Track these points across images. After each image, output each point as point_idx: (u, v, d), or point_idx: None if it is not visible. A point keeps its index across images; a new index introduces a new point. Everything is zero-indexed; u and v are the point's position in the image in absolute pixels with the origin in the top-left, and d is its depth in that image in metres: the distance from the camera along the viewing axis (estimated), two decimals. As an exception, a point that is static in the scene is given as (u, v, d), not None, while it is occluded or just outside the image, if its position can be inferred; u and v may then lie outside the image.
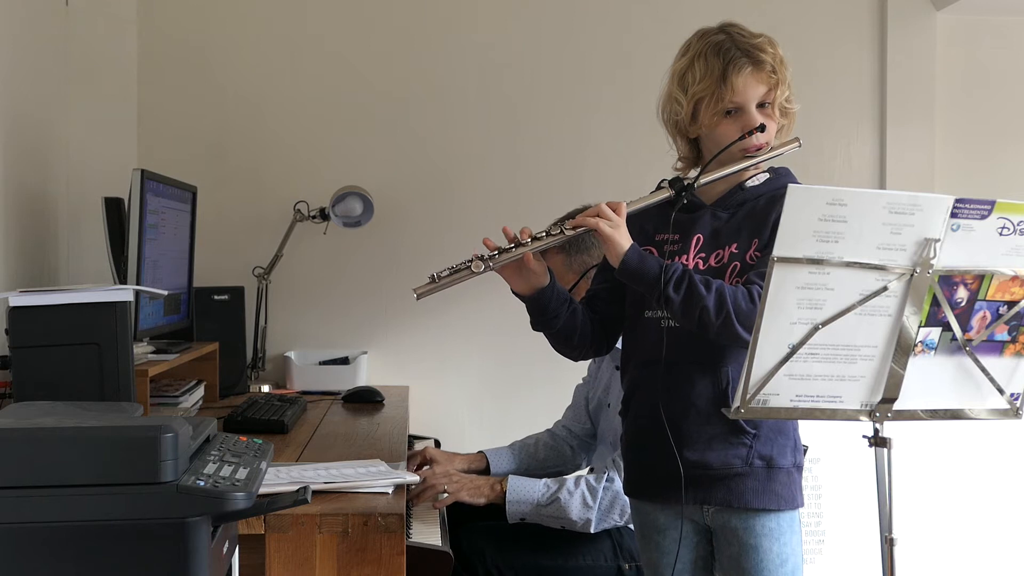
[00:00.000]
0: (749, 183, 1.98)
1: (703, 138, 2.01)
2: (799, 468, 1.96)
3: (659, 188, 2.03)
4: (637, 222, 1.97)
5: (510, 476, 2.62)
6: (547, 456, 2.89)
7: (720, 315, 1.80)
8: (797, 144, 2.00)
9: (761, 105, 1.95)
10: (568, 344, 2.08)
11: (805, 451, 1.99)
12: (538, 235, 1.96)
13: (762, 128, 1.93)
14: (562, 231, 1.96)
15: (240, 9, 3.80)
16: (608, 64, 3.87)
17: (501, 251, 1.96)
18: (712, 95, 1.93)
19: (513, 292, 2.04)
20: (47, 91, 3.33)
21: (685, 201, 1.95)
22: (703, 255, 1.94)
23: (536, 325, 2.05)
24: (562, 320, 2.02)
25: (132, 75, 3.70)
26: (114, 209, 2.97)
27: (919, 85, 3.94)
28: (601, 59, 3.88)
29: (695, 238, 1.95)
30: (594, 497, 2.53)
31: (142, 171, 2.70)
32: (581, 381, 2.96)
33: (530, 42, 3.87)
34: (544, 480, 2.59)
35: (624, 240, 1.88)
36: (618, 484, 2.52)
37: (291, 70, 3.80)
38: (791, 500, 1.93)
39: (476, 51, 3.85)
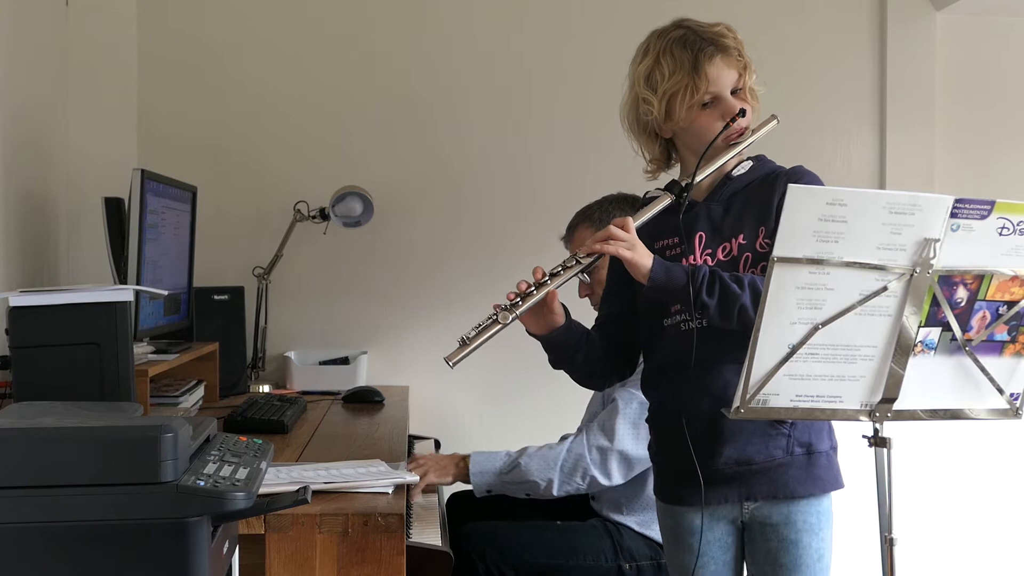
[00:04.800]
0: (735, 172, 1.97)
1: (680, 134, 1.98)
2: (835, 449, 1.97)
3: (646, 196, 2.02)
4: (638, 231, 1.93)
5: (473, 452, 2.65)
6: None
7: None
8: (775, 121, 1.99)
9: (734, 91, 1.94)
10: (592, 377, 2.07)
11: None
12: (554, 271, 1.91)
13: (743, 113, 1.92)
14: (577, 261, 1.91)
15: (240, 9, 3.80)
16: (609, 59, 3.86)
17: (523, 296, 1.90)
18: (686, 88, 1.91)
19: (529, 333, 1.99)
20: (47, 91, 3.33)
21: (686, 203, 1.94)
22: (710, 251, 1.93)
23: (556, 363, 2.03)
24: (582, 355, 2.00)
25: (132, 75, 3.70)
26: (114, 209, 2.97)
27: (919, 85, 3.94)
28: (602, 54, 3.87)
29: (697, 236, 1.94)
30: (554, 454, 2.56)
31: (142, 171, 2.70)
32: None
33: (530, 40, 3.87)
34: (505, 451, 2.63)
35: (645, 258, 1.84)
36: (580, 446, 2.56)
37: (291, 70, 3.80)
38: (833, 482, 1.95)
39: (476, 50, 3.85)
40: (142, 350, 2.78)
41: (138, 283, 2.62)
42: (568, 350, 1.99)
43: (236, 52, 3.79)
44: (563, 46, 3.87)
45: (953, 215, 1.61)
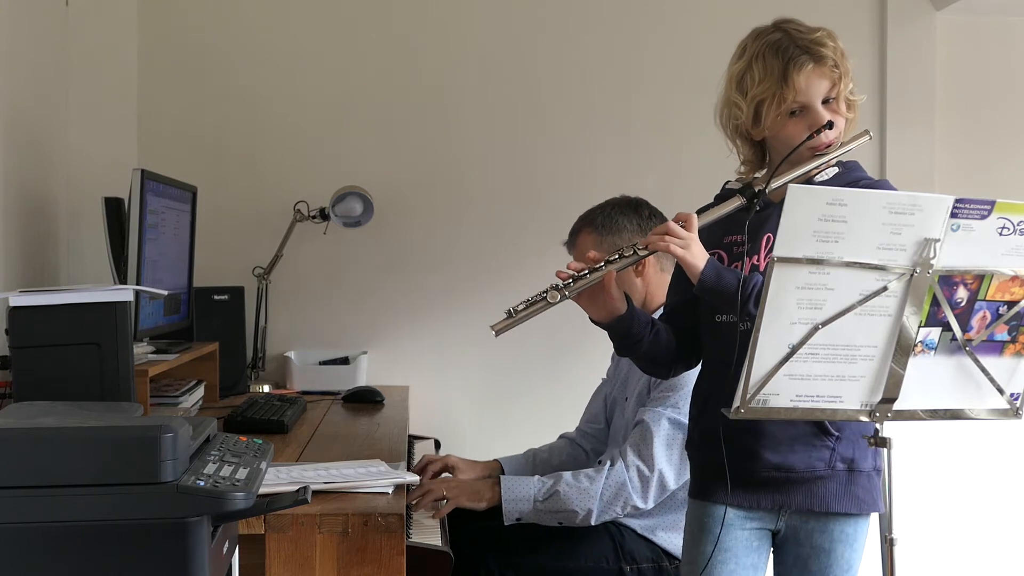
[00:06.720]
0: (818, 178, 1.94)
1: (769, 140, 1.97)
2: (879, 471, 1.94)
3: (724, 191, 2.00)
4: (706, 227, 1.91)
5: (503, 476, 2.58)
6: (562, 462, 2.83)
7: None
8: (867, 136, 1.97)
9: (826, 101, 1.91)
10: (656, 364, 2.05)
11: None
12: (611, 257, 1.91)
13: (830, 125, 1.89)
14: (635, 251, 1.90)
15: (240, 9, 3.80)
16: (610, 61, 3.87)
17: (577, 278, 1.90)
18: (774, 96, 1.90)
19: (592, 321, 1.99)
20: (47, 91, 3.33)
21: (758, 208, 1.91)
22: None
23: (620, 351, 2.02)
24: (646, 343, 1.98)
25: (132, 75, 3.70)
26: (114, 209, 2.97)
27: (919, 85, 3.94)
28: (602, 56, 3.87)
29: (765, 238, 1.92)
30: (595, 486, 2.49)
31: (142, 171, 2.70)
32: (600, 382, 2.94)
33: (531, 40, 3.86)
34: (537, 476, 2.55)
35: (698, 259, 1.83)
36: (622, 475, 2.49)
37: (291, 70, 3.80)
38: (871, 503, 1.92)
39: (476, 50, 3.85)
40: (142, 350, 2.78)
41: (138, 283, 2.62)
42: (631, 338, 1.97)
43: (236, 52, 3.78)
44: (565, 45, 3.87)
45: (953, 215, 1.61)
